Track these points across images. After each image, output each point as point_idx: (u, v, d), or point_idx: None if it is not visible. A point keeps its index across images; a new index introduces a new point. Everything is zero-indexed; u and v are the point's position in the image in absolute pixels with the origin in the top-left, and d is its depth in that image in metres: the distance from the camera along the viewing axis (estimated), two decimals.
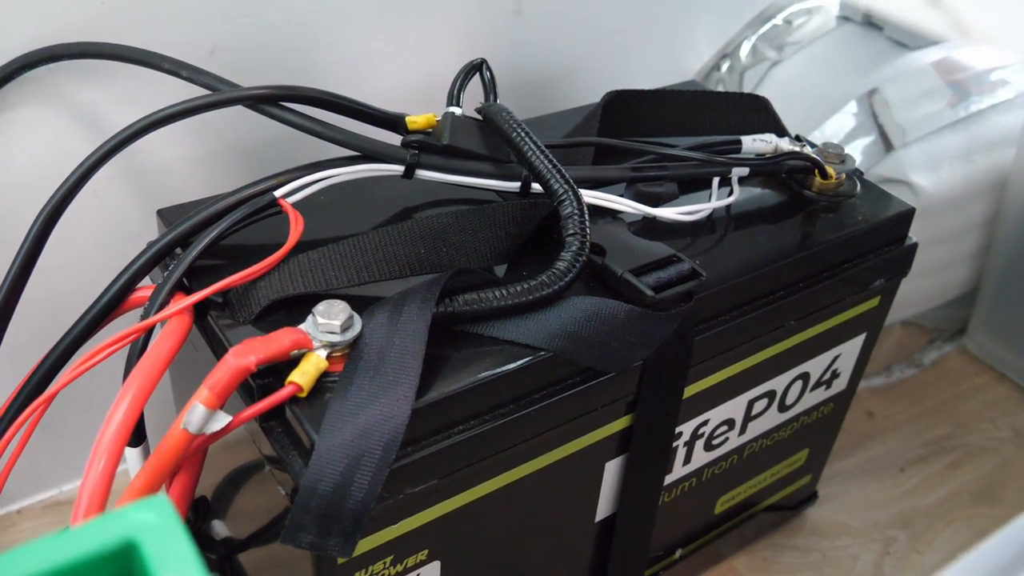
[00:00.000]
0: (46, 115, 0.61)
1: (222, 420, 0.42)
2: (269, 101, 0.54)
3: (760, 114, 0.66)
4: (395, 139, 0.56)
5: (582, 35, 0.82)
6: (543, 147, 0.52)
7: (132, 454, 0.51)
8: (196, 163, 0.68)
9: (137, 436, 0.51)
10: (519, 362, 0.47)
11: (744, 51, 0.94)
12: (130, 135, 0.53)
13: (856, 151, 0.87)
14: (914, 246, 0.64)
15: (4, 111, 0.59)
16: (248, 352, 0.42)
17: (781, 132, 0.65)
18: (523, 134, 0.52)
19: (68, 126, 0.62)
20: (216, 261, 0.51)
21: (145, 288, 0.52)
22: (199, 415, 0.42)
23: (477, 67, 0.57)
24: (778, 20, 0.94)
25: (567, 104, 0.75)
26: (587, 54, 0.83)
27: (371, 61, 0.71)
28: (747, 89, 0.93)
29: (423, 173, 0.54)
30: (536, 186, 0.55)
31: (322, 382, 0.44)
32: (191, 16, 0.63)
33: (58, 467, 0.77)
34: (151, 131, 0.53)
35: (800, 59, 0.93)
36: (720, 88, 0.93)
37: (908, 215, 0.63)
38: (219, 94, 0.54)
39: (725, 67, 0.94)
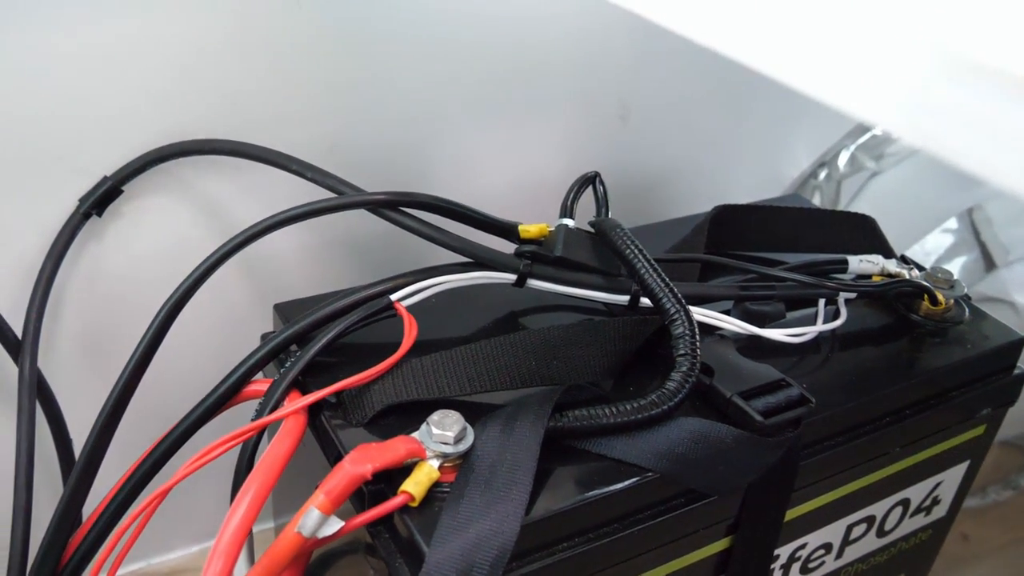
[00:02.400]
0: (172, 205, 0.64)
1: (335, 525, 0.43)
2: (389, 206, 0.55)
3: (866, 234, 0.66)
4: (506, 245, 0.57)
5: (684, 142, 0.83)
6: (655, 264, 0.52)
7: None
8: (307, 253, 0.70)
9: None
10: (626, 482, 0.47)
11: (842, 160, 0.94)
12: (256, 232, 0.55)
13: (956, 268, 0.86)
14: (1023, 375, 0.63)
15: (133, 199, 0.62)
16: (365, 460, 0.43)
17: (888, 253, 0.65)
18: (636, 251, 0.53)
19: (192, 216, 0.64)
20: (330, 359, 0.53)
21: (259, 382, 0.53)
22: (314, 520, 0.42)
23: (591, 180, 0.59)
24: (877, 130, 0.94)
25: (669, 207, 0.76)
26: (688, 160, 0.84)
27: (480, 161, 0.73)
28: (845, 199, 0.93)
29: (534, 282, 0.55)
30: (645, 300, 0.55)
31: (433, 492, 0.45)
32: (313, 116, 0.65)
33: (146, 540, 0.78)
34: (277, 229, 0.55)
35: (899, 171, 0.92)
36: (817, 196, 0.94)
37: (1018, 344, 0.62)
38: (343, 198, 0.56)
39: (823, 175, 0.94)
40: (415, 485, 0.44)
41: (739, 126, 0.86)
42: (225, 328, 0.69)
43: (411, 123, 0.69)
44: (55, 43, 0.56)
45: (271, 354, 0.53)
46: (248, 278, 0.69)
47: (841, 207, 0.93)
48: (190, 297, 0.56)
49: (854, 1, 0.26)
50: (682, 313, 0.50)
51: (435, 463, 0.45)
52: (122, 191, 0.61)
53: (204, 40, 0.60)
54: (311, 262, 0.70)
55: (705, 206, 0.67)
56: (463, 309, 0.58)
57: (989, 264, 0.84)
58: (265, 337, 0.56)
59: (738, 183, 0.88)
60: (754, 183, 0.89)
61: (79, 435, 0.60)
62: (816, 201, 0.93)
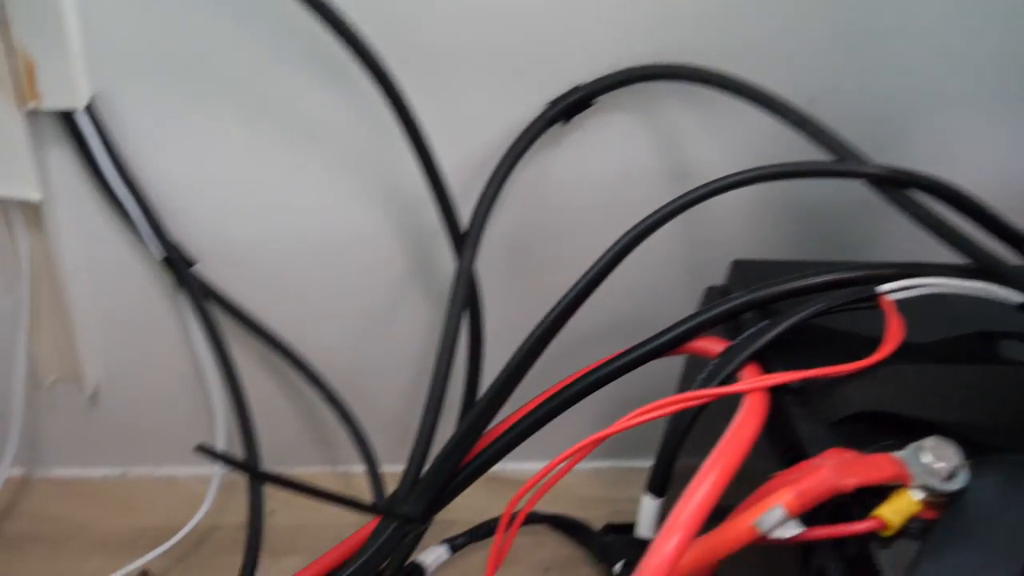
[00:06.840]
0: (635, 129, 0.61)
1: (793, 529, 0.39)
2: (892, 184, 0.49)
3: None
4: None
5: None
6: None
7: (650, 504, 0.49)
8: (742, 208, 0.65)
9: (662, 487, 0.48)
10: None
11: None
12: (724, 186, 0.50)
13: None
14: None
15: (599, 114, 0.60)
16: (849, 474, 0.38)
17: None
18: None
19: (651, 145, 0.62)
20: (792, 337, 0.47)
21: (707, 339, 0.49)
22: (775, 518, 0.38)
23: None
24: None
25: None
26: None
27: (961, 154, 0.64)
28: None
29: None
30: None
31: (907, 526, 0.39)
32: (802, 63, 0.59)
33: None
34: (749, 184, 0.50)
35: None
36: None
37: None
38: (837, 163, 0.50)
39: None
40: (894, 514, 0.38)
41: None
42: (649, 268, 0.65)
43: (900, 92, 0.61)
44: None
45: (728, 314, 0.49)
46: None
47: None
48: (635, 247, 0.51)
49: None
50: None
51: (918, 495, 0.39)
52: (591, 104, 0.59)
53: None
54: (745, 219, 0.65)
55: None
56: (951, 321, 0.50)
57: None
58: (712, 291, 0.52)
59: None
60: None
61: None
62: None
